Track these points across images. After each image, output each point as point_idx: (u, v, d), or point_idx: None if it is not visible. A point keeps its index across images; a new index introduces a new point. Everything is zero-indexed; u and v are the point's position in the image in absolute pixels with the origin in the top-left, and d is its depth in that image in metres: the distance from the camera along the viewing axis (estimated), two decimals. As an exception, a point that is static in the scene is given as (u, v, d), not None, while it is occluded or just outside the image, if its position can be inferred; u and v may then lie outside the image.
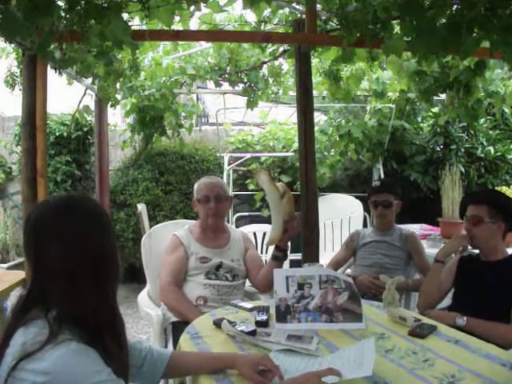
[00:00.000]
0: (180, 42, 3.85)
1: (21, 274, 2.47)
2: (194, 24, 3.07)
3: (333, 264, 2.72)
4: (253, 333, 1.48)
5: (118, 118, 6.34)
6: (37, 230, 0.99)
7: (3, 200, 5.63)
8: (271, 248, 3.85)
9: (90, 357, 0.91)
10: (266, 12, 3.12)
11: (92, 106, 4.11)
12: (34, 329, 0.91)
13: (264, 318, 1.60)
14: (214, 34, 3.05)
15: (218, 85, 4.11)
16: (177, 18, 2.50)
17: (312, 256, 2.71)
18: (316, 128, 4.58)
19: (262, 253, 3.79)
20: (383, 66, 3.98)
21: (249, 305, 1.83)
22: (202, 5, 2.43)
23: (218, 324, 1.57)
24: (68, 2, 1.98)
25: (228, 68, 3.96)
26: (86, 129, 5.15)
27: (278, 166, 5.32)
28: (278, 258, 2.10)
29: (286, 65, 4.03)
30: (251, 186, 5.14)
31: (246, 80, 4.06)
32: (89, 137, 5.25)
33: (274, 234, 2.01)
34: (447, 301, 2.08)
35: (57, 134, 5.01)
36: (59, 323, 0.92)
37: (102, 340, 0.96)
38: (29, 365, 0.86)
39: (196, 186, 2.29)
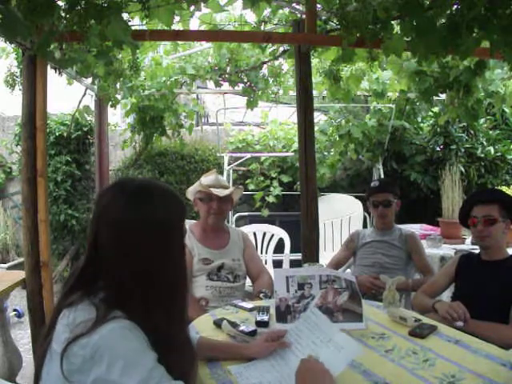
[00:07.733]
0: (180, 42, 3.84)
1: (21, 274, 2.46)
2: (194, 24, 3.07)
3: (333, 264, 2.73)
4: (253, 333, 1.48)
5: (118, 118, 6.33)
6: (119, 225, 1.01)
7: (3, 200, 5.63)
8: (271, 248, 3.87)
9: (136, 335, 0.93)
10: (266, 12, 3.12)
11: (92, 106, 4.11)
12: (82, 310, 0.95)
13: (264, 318, 1.60)
14: (214, 34, 3.04)
15: (218, 85, 4.10)
16: (177, 18, 2.50)
17: (312, 256, 2.70)
18: (316, 128, 4.59)
19: (261, 253, 3.79)
20: (383, 66, 3.97)
21: (249, 305, 1.83)
22: (202, 5, 2.43)
23: (218, 324, 1.57)
24: (68, 2, 1.97)
25: (228, 68, 3.95)
26: (85, 129, 5.15)
27: (277, 166, 5.32)
28: None
29: (286, 65, 4.02)
30: (251, 186, 5.14)
31: (246, 80, 4.06)
32: (89, 137, 5.24)
33: None
34: (446, 298, 2.08)
35: (57, 133, 5.01)
36: (107, 306, 0.95)
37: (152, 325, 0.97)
38: (80, 340, 0.90)
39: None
